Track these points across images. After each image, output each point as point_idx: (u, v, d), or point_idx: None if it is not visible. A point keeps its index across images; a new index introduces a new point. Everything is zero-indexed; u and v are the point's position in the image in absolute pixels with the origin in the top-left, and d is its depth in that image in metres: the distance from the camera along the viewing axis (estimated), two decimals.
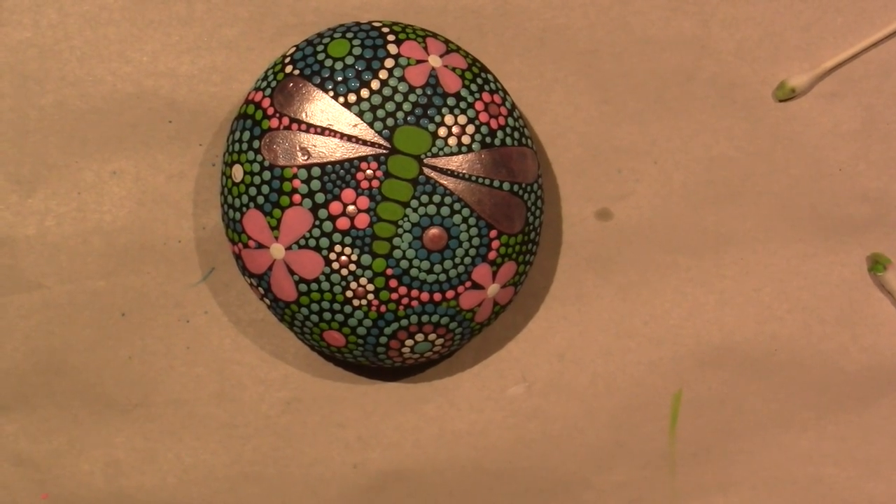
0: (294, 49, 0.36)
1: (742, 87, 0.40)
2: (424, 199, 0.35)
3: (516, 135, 0.36)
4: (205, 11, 0.38)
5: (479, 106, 0.35)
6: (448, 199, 0.35)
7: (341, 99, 0.35)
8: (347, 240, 0.34)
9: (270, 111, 0.35)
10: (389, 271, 0.35)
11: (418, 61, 0.35)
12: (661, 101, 0.40)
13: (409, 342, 0.36)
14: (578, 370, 0.41)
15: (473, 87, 0.36)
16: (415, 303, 0.35)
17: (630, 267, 0.41)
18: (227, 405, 0.40)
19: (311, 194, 0.34)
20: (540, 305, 0.41)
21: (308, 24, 0.39)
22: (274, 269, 0.35)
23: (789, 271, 0.41)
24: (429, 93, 0.35)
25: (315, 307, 0.35)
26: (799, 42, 0.40)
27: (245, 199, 0.35)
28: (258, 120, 0.35)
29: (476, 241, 0.35)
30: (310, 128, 0.34)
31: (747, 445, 0.42)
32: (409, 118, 0.35)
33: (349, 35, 0.36)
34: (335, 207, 0.34)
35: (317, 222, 0.34)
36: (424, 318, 0.36)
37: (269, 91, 0.35)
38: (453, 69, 0.36)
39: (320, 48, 0.35)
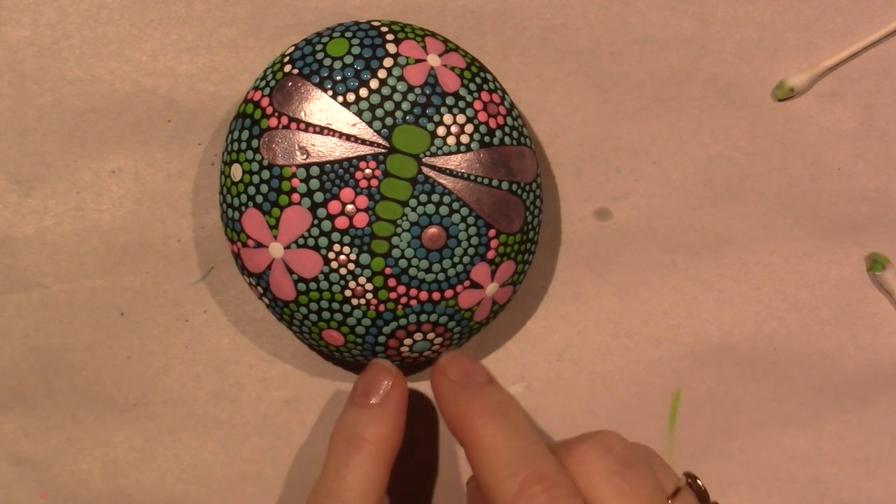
0: (293, 48, 0.36)
1: (741, 86, 0.40)
2: (423, 198, 0.35)
3: (515, 134, 0.36)
4: (204, 11, 0.38)
5: (477, 105, 0.35)
6: (447, 199, 0.35)
7: (340, 98, 0.35)
8: (346, 239, 0.35)
9: (269, 110, 0.35)
10: (388, 270, 0.35)
11: (417, 60, 0.35)
12: (659, 101, 0.40)
13: (408, 341, 0.36)
14: (577, 369, 0.41)
15: (472, 87, 0.36)
16: (413, 302, 0.35)
17: (628, 266, 0.41)
18: (225, 404, 0.40)
19: (309, 193, 0.34)
20: (538, 305, 0.41)
21: (307, 24, 0.39)
22: (273, 269, 0.35)
23: (788, 271, 0.41)
24: (427, 92, 0.35)
25: (314, 306, 0.35)
26: (798, 41, 0.41)
27: (244, 198, 0.35)
28: (257, 119, 0.35)
29: (475, 241, 0.35)
30: (309, 127, 0.34)
31: (746, 445, 0.42)
32: (407, 117, 0.35)
33: (348, 34, 0.36)
34: (334, 206, 0.34)
35: (315, 221, 0.34)
36: (423, 317, 0.36)
37: (267, 90, 0.35)
38: (452, 68, 0.36)
39: (319, 47, 0.35)
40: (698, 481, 0.34)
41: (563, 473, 0.30)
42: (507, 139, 0.36)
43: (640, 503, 0.31)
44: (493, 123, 0.36)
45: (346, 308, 0.35)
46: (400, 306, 0.35)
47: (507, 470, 0.30)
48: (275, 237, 0.35)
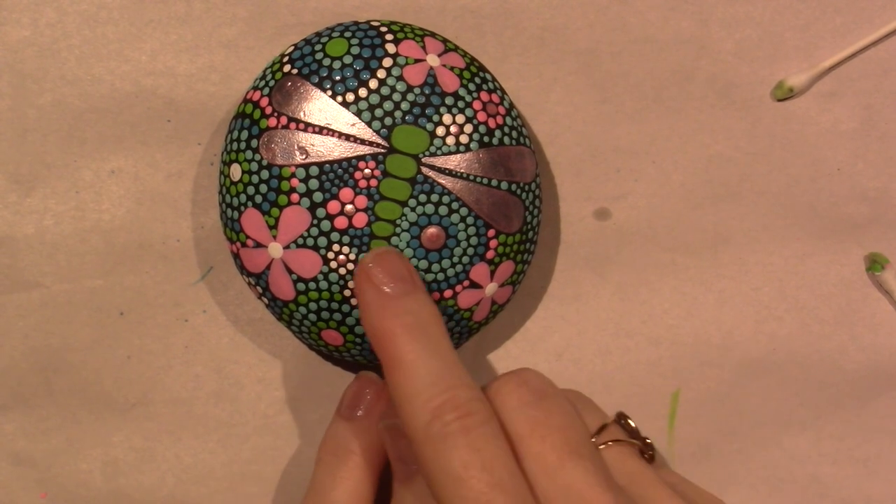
0: (292, 48, 0.36)
1: (740, 86, 0.40)
2: (422, 198, 0.35)
3: (514, 134, 0.36)
4: (203, 11, 0.38)
5: (477, 105, 0.35)
6: (446, 199, 0.35)
7: (339, 98, 0.35)
8: (345, 239, 0.35)
9: (269, 110, 0.35)
10: None
11: (416, 60, 0.35)
12: (659, 101, 0.40)
13: None
14: (576, 369, 0.41)
15: (471, 87, 0.36)
16: None
17: (628, 266, 0.41)
18: (225, 404, 0.40)
19: (309, 193, 0.34)
20: (538, 305, 0.41)
21: (306, 24, 0.39)
22: (272, 268, 0.35)
23: (788, 271, 0.41)
24: (427, 92, 0.35)
25: (313, 306, 0.35)
26: (797, 41, 0.41)
27: (243, 198, 0.35)
28: (256, 119, 0.35)
29: (474, 241, 0.35)
30: (308, 127, 0.35)
31: (745, 445, 0.42)
32: (407, 117, 0.35)
33: (347, 34, 0.36)
34: (333, 206, 0.34)
35: (315, 221, 0.34)
36: None
37: (267, 90, 0.35)
38: (451, 68, 0.36)
39: (318, 47, 0.35)
40: (630, 421, 0.34)
41: (481, 400, 0.30)
42: (506, 139, 0.36)
43: (554, 431, 0.30)
44: (492, 123, 0.36)
45: (346, 308, 0.35)
46: None
47: (423, 395, 0.29)
48: (274, 237, 0.35)
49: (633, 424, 0.34)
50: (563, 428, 0.30)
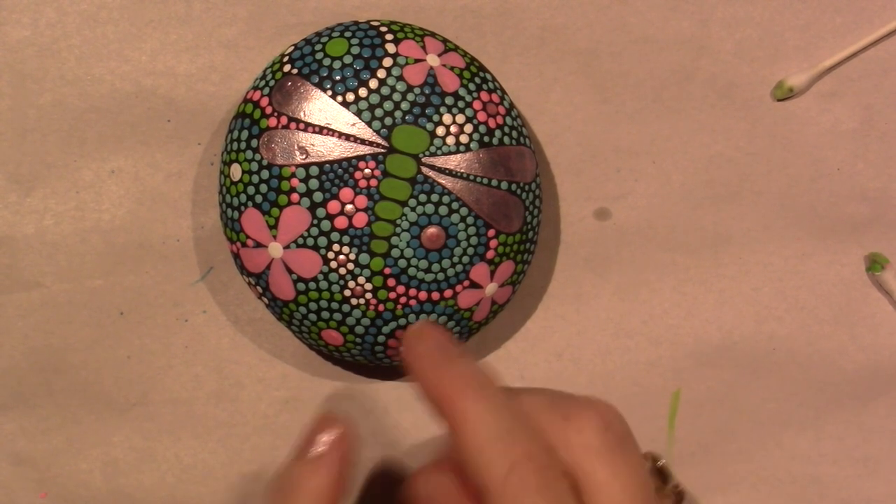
0: (292, 48, 0.36)
1: (740, 86, 0.40)
2: (423, 198, 0.35)
3: (514, 134, 0.36)
4: (203, 11, 0.38)
5: (477, 105, 0.35)
6: (446, 199, 0.35)
7: (339, 98, 0.35)
8: (345, 239, 0.35)
9: (269, 110, 0.35)
10: (387, 270, 0.35)
11: (416, 60, 0.35)
12: (659, 101, 0.40)
13: None
14: (576, 369, 0.41)
15: (472, 87, 0.36)
16: (413, 302, 0.35)
17: (628, 266, 0.41)
18: (225, 404, 0.40)
19: (309, 193, 0.34)
20: (538, 305, 0.41)
21: (307, 24, 0.39)
22: (272, 268, 0.35)
23: (787, 271, 0.41)
24: (427, 92, 0.35)
25: (313, 306, 0.35)
26: (797, 41, 0.41)
27: (243, 198, 0.35)
28: (256, 119, 0.35)
29: (474, 241, 0.35)
30: (308, 127, 0.35)
31: (746, 445, 0.42)
32: (407, 117, 0.35)
33: (347, 34, 0.36)
34: (333, 206, 0.34)
35: (315, 221, 0.34)
36: (422, 317, 0.36)
37: (267, 90, 0.35)
38: (451, 68, 0.36)
39: (318, 47, 0.35)
40: (659, 462, 0.34)
41: (553, 453, 0.30)
42: (506, 139, 0.36)
43: (633, 483, 0.30)
44: (492, 123, 0.36)
45: (346, 308, 0.35)
46: (399, 306, 0.35)
47: (499, 445, 0.29)
48: (274, 237, 0.35)
49: (665, 466, 0.34)
50: (642, 484, 0.30)
